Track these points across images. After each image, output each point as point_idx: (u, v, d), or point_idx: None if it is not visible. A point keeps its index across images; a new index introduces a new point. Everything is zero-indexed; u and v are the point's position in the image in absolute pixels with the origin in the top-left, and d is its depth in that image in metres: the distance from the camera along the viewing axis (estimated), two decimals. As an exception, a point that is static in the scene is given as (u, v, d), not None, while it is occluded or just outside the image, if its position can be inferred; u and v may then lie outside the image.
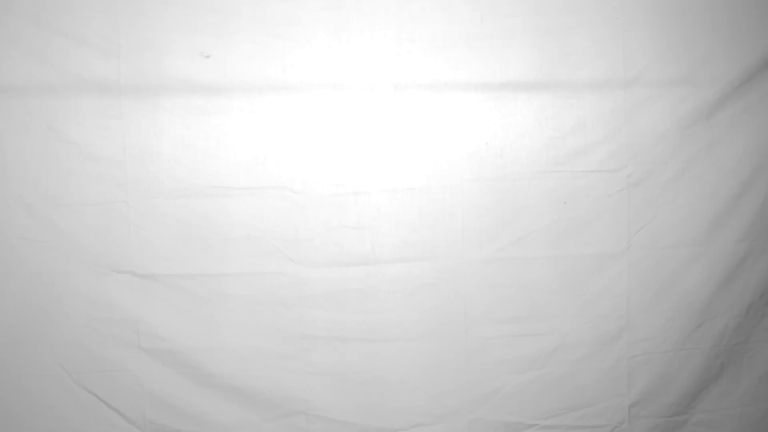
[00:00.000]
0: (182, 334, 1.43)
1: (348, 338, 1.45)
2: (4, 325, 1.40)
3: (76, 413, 1.43)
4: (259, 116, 1.44)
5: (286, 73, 1.43)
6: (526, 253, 1.46)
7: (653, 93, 1.46)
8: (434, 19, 1.43)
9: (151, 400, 1.43)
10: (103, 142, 1.39)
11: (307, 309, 1.45)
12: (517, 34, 1.43)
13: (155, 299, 1.42)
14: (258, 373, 1.45)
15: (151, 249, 1.42)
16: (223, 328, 1.44)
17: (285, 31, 1.42)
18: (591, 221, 1.48)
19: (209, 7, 1.40)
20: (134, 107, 1.40)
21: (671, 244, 1.49)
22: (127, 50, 1.39)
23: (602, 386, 1.49)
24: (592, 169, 1.47)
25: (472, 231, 1.46)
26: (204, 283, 1.43)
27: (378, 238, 1.46)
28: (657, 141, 1.47)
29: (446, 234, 1.46)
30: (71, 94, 1.39)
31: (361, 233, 1.44)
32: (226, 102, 1.42)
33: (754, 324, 1.49)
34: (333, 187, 1.44)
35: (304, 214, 1.44)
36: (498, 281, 1.48)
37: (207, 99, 1.42)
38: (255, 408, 1.45)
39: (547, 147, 1.46)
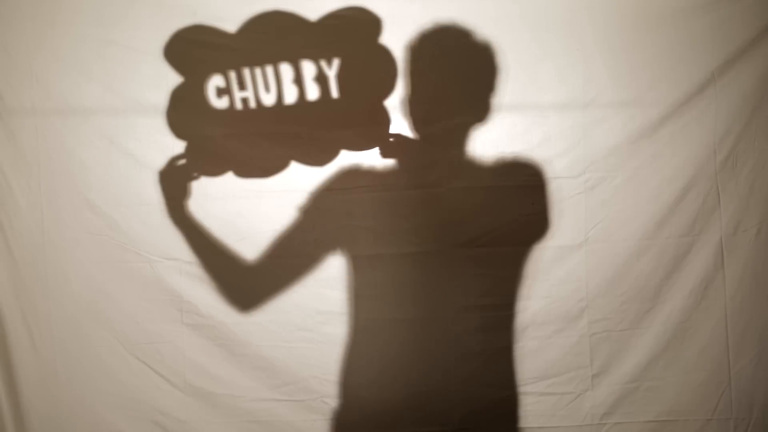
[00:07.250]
0: (218, 311, 1.56)
1: (355, 313, 1.54)
2: (71, 305, 1.55)
3: (128, 377, 1.56)
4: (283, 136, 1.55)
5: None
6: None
7: (607, 113, 1.55)
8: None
9: (191, 367, 1.56)
10: (156, 153, 1.54)
11: (322, 289, 1.56)
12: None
13: (197, 282, 1.56)
14: (280, 344, 1.56)
15: (195, 241, 1.54)
16: (252, 306, 1.55)
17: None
18: (554, 218, 1.57)
19: (238, 48, 1.52)
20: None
21: (623, 238, 1.57)
22: (174, 81, 1.53)
23: (568, 359, 1.58)
24: (556, 176, 1.56)
25: (457, 227, 1.57)
26: (238, 268, 1.55)
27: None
28: (609, 153, 1.56)
29: (436, 229, 1.56)
30: (129, 114, 1.53)
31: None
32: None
33: (694, 306, 1.59)
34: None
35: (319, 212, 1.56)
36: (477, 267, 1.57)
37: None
38: (278, 372, 1.57)
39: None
